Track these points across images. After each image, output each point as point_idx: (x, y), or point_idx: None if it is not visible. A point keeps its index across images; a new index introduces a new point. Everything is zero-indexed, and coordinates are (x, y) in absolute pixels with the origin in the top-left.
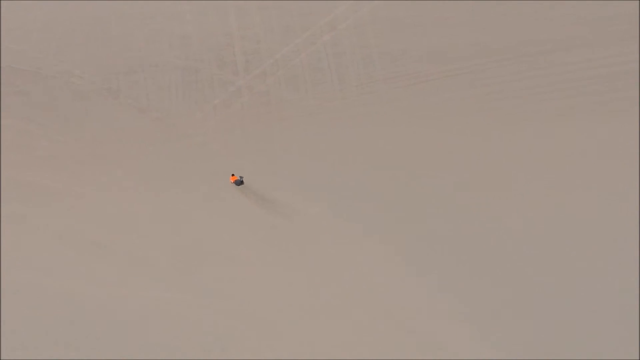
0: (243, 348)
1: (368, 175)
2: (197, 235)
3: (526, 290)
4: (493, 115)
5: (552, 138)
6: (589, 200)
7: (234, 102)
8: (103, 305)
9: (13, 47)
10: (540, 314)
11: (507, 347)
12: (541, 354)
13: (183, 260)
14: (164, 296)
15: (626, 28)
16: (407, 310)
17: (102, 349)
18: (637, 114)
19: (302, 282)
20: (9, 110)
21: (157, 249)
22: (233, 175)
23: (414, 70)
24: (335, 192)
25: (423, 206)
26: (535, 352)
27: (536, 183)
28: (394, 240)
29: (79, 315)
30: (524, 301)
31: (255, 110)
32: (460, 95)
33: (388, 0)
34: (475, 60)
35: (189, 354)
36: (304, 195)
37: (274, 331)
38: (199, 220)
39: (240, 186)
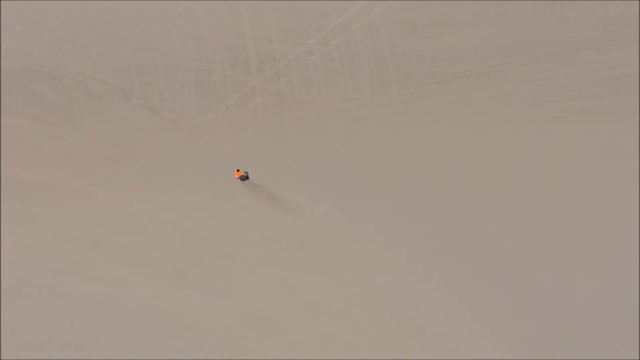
0: (248, 349)
1: (380, 176)
2: (208, 236)
3: (526, 290)
4: (507, 116)
5: (560, 139)
6: (590, 200)
7: (247, 102)
8: (110, 305)
9: (27, 48)
10: (540, 314)
11: (507, 347)
12: (541, 354)
13: (192, 260)
14: (174, 296)
15: (632, 30)
16: (414, 310)
17: (105, 349)
18: (638, 117)
19: (309, 282)
20: (23, 111)
21: (168, 249)
22: (238, 170)
23: (427, 71)
24: (347, 193)
25: (434, 207)
26: (535, 352)
27: (539, 184)
28: (404, 241)
29: (88, 316)
30: (524, 301)
31: (268, 111)
32: (472, 96)
33: (401, 1)
34: (489, 62)
35: (198, 355)
36: (315, 196)
37: (279, 331)
38: (210, 221)
39: (254, 188)
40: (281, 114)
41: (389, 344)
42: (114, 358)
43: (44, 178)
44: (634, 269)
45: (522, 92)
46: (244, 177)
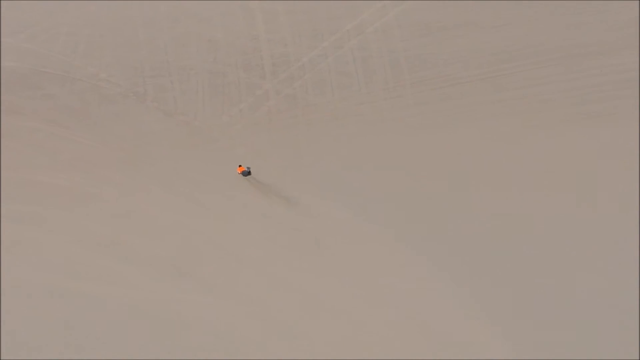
0: (252, 348)
1: (393, 179)
2: (221, 239)
3: (526, 290)
4: (516, 119)
5: (567, 142)
6: (595, 203)
7: (261, 105)
8: (113, 306)
9: (40, 51)
10: (541, 314)
11: (507, 346)
12: (541, 353)
13: (207, 264)
14: (180, 297)
15: None
16: (420, 310)
17: (106, 349)
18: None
19: (321, 284)
20: (36, 113)
21: (180, 252)
22: (240, 166)
23: (441, 74)
24: (359, 195)
25: (443, 208)
26: (535, 352)
27: (547, 186)
28: (413, 242)
29: (89, 316)
30: (523, 301)
31: (282, 114)
32: (483, 99)
33: (416, 1)
34: (501, 65)
35: (200, 355)
36: (328, 198)
37: (283, 331)
38: (224, 225)
39: (265, 190)
40: (295, 117)
41: (394, 344)
42: (114, 358)
43: (58, 181)
44: (634, 269)
45: (532, 95)
46: (246, 173)
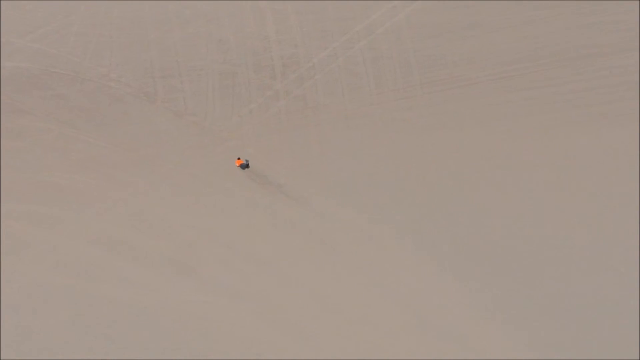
0: (260, 348)
1: (403, 180)
2: (233, 240)
3: (526, 290)
4: (525, 120)
5: (574, 143)
6: (599, 205)
7: (271, 106)
8: (119, 306)
9: (50, 51)
10: (539, 314)
11: (507, 346)
12: (541, 353)
13: (217, 264)
14: (198, 299)
15: None
16: (432, 310)
17: (111, 349)
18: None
19: (329, 283)
20: (47, 114)
21: (191, 253)
22: (239, 159)
23: (452, 75)
24: (370, 196)
25: (457, 210)
26: (535, 351)
27: (556, 187)
28: (422, 241)
29: (95, 316)
30: (523, 301)
31: (292, 115)
32: (492, 100)
33: (426, 0)
34: (511, 66)
35: (206, 355)
36: (339, 199)
37: (294, 330)
38: (235, 225)
39: (277, 193)
40: (305, 118)
41: (402, 343)
42: (117, 358)
43: (67, 181)
44: (634, 269)
45: (541, 96)
46: (245, 165)
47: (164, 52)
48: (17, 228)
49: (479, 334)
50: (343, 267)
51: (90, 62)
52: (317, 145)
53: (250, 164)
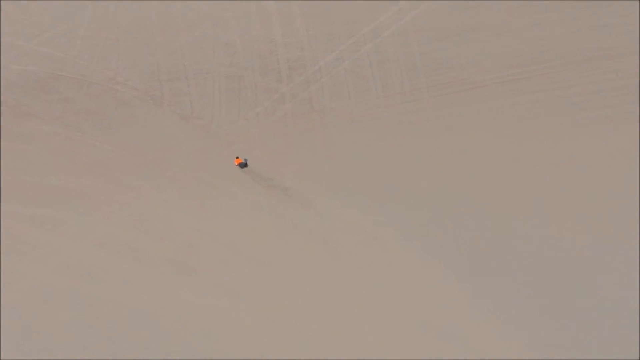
0: (261, 348)
1: (409, 183)
2: (238, 242)
3: (526, 290)
4: (529, 123)
5: (580, 146)
6: (603, 206)
7: (277, 109)
8: (121, 308)
9: (57, 54)
10: (539, 314)
11: (506, 346)
12: (541, 353)
13: (223, 267)
14: (201, 302)
15: None
16: (434, 311)
17: (112, 350)
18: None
19: (332, 285)
20: (54, 117)
21: (196, 256)
22: (237, 158)
23: (458, 78)
24: (376, 199)
25: (462, 213)
26: (535, 352)
27: (561, 190)
28: (427, 244)
29: (98, 318)
30: (524, 301)
31: (298, 118)
32: (499, 103)
33: (433, 1)
34: (517, 69)
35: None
36: (344, 201)
37: (295, 331)
38: (240, 228)
39: (283, 195)
40: (311, 121)
41: (407, 343)
42: (118, 358)
43: (74, 185)
44: (634, 269)
45: (547, 99)
46: (243, 165)
47: (171, 55)
48: (21, 230)
49: (480, 334)
50: (345, 268)
51: (97, 65)
52: (324, 148)
53: (253, 166)
